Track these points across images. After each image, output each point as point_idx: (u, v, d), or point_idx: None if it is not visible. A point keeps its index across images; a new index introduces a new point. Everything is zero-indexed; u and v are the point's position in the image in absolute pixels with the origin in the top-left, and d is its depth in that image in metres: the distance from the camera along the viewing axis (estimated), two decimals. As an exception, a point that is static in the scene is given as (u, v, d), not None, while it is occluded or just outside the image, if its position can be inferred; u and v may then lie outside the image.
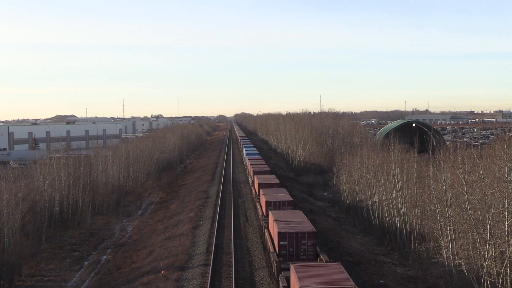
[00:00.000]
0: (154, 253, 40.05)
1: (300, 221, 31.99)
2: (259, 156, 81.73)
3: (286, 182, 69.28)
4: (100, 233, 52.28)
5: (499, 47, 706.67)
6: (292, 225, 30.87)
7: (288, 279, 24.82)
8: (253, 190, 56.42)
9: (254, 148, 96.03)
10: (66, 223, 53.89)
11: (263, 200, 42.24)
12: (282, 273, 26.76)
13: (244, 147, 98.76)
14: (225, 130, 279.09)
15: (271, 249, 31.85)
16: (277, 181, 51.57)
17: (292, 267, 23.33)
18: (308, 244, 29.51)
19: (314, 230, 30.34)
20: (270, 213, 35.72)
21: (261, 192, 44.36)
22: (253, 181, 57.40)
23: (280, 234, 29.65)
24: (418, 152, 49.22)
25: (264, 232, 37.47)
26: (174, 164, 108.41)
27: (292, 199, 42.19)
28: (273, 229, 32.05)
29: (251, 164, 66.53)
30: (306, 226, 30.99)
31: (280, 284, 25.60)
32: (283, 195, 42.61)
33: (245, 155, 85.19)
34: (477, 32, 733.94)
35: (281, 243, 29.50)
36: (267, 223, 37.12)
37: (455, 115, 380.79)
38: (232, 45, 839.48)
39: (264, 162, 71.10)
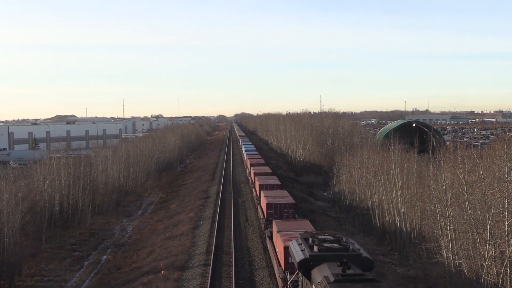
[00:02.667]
0: (154, 253, 40.05)
1: (283, 196, 40.99)
2: (256, 152, 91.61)
3: (286, 182, 69.32)
4: (100, 233, 52.25)
5: (499, 47, 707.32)
6: (277, 199, 39.48)
7: (271, 232, 33.18)
8: (250, 179, 66.52)
9: (252, 145, 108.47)
10: (66, 223, 53.85)
11: (257, 184, 50.58)
12: (267, 229, 35.92)
13: (243, 144, 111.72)
14: (225, 130, 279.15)
15: (261, 216, 41.50)
16: (269, 170, 61.05)
17: (273, 222, 32.85)
18: (289, 212, 38.14)
19: (294, 202, 39.65)
20: (262, 192, 44.28)
21: (256, 179, 52.79)
22: (250, 172, 66.35)
23: (268, 205, 38.40)
24: (418, 152, 49.17)
25: (257, 207, 47.21)
26: (174, 164, 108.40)
27: (280, 182, 50.70)
28: (264, 202, 40.66)
29: (248, 158, 76.54)
30: (288, 199, 39.73)
31: (266, 235, 35.59)
32: (273, 180, 51.32)
33: (243, 151, 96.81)
34: (477, 32, 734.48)
35: (268, 211, 38.17)
36: (259, 200, 45.95)
37: (455, 115, 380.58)
38: (232, 45, 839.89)
39: (260, 157, 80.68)
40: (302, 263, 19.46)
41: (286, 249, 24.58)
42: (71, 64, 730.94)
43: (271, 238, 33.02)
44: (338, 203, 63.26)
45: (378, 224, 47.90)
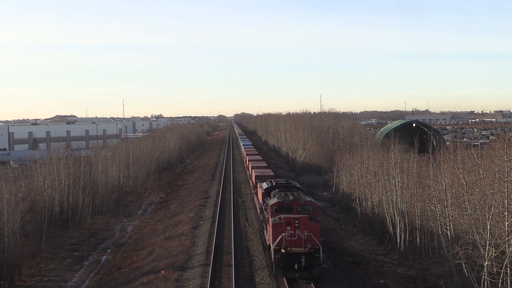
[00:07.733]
0: (154, 253, 40.03)
1: (268, 172, 56.37)
2: (252, 146, 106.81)
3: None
4: (100, 233, 52.26)
5: (499, 47, 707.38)
6: (263, 173, 54.46)
7: (257, 190, 45.52)
8: (245, 164, 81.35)
9: (249, 141, 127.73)
10: (66, 223, 53.83)
11: (250, 166, 64.99)
12: (255, 189, 49.13)
13: (241, 140, 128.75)
14: (225, 130, 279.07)
15: (251, 185, 59.15)
16: (260, 158, 76.56)
17: (258, 183, 47.35)
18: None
19: (273, 174, 55.81)
20: (253, 170, 58.87)
21: (250, 164, 66.91)
22: (245, 160, 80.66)
23: (256, 176, 53.22)
24: (418, 152, 49.17)
25: (249, 181, 64.44)
26: (174, 164, 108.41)
27: (266, 165, 67.06)
28: (253, 176, 55.54)
29: (245, 150, 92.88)
30: (270, 173, 55.16)
31: (253, 192, 51.49)
32: (262, 163, 67.06)
33: (241, 145, 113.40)
34: (477, 32, 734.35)
35: (256, 181, 51.08)
36: (251, 176, 60.44)
37: (455, 115, 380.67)
38: (232, 45, 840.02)
39: (254, 149, 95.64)
40: (266, 189, 37.89)
41: (263, 194, 38.65)
42: (71, 64, 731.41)
43: (256, 194, 46.69)
44: (338, 203, 63.26)
45: (378, 224, 47.90)
